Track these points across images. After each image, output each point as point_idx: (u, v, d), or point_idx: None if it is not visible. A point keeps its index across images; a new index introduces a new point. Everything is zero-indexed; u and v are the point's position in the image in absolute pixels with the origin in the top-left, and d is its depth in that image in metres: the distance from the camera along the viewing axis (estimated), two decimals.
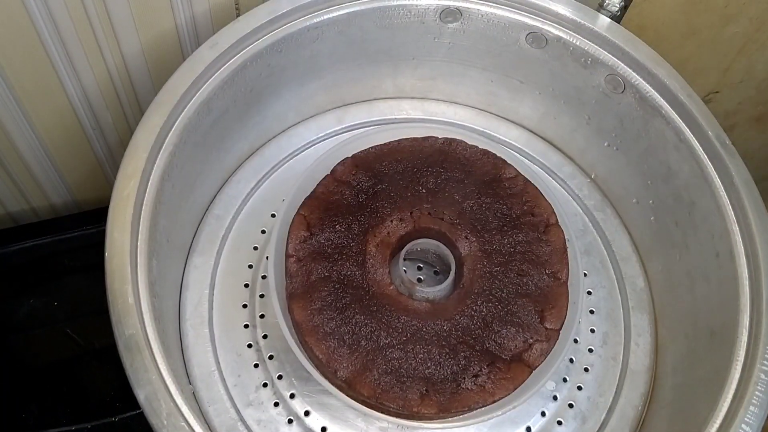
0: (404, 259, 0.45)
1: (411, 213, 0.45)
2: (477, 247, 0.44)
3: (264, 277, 0.48)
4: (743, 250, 0.42)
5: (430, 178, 0.46)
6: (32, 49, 0.46)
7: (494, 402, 0.40)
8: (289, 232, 0.43)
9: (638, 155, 0.50)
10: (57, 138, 0.54)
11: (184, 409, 0.34)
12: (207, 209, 0.50)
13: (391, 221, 0.45)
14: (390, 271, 0.44)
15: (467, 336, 0.41)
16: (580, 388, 0.46)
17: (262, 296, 0.47)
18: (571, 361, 0.47)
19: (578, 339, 0.48)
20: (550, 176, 0.56)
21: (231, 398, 0.43)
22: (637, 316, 0.49)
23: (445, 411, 0.39)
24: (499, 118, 0.58)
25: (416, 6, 0.49)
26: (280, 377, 0.44)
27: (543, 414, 0.45)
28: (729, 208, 0.43)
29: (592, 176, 0.54)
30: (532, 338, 0.41)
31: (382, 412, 0.39)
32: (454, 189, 0.46)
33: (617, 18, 0.49)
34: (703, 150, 0.45)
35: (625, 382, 0.47)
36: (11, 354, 0.53)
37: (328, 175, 0.46)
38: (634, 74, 0.48)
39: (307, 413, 0.43)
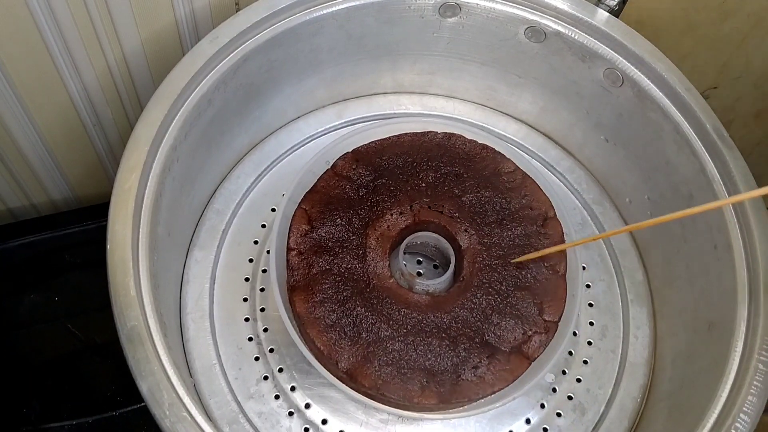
0: (404, 253, 0.45)
1: (411, 207, 0.45)
2: (476, 240, 0.44)
3: (264, 271, 0.48)
4: (741, 243, 0.42)
5: (429, 172, 0.47)
6: (33, 45, 0.46)
7: (494, 393, 0.40)
8: (290, 226, 0.44)
9: (637, 149, 0.51)
10: (57, 134, 0.54)
11: (186, 399, 0.34)
12: (207, 203, 0.50)
13: (391, 215, 0.45)
14: (390, 264, 0.44)
15: (467, 328, 0.41)
16: (579, 380, 0.47)
17: (262, 290, 0.47)
18: (571, 353, 0.48)
19: (577, 332, 0.48)
20: (549, 170, 0.56)
21: (232, 391, 0.43)
22: (635, 308, 0.50)
23: (445, 402, 0.39)
24: (498, 113, 0.58)
25: (415, 1, 0.49)
26: (280, 370, 0.44)
27: (542, 406, 0.45)
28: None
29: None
30: (531, 330, 0.41)
31: (383, 403, 0.39)
32: (453, 183, 0.46)
33: (616, 12, 0.49)
34: (702, 143, 0.45)
35: (624, 375, 0.47)
36: (12, 349, 0.53)
37: (328, 169, 0.46)
38: (633, 68, 0.48)
39: (307, 406, 0.43)
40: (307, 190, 0.45)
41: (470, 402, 0.40)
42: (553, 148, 0.57)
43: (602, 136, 0.53)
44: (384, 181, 0.46)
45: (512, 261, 0.42)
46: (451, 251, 0.45)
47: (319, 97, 0.55)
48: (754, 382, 0.37)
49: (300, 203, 0.45)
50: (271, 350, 0.45)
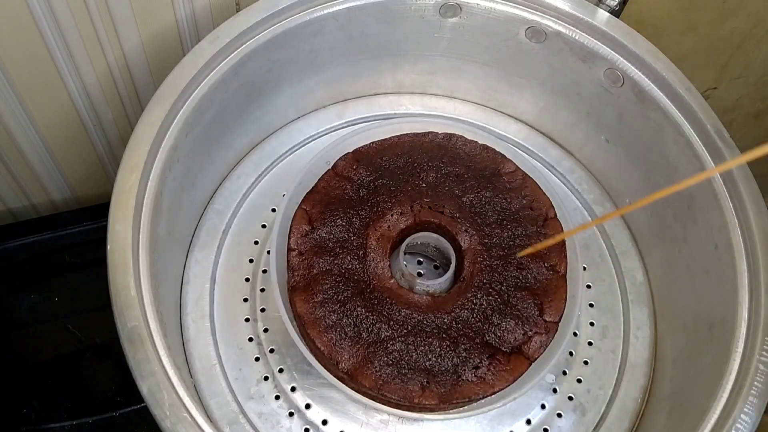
0: (405, 253, 0.45)
1: (411, 207, 0.45)
2: (477, 241, 0.44)
3: (264, 271, 0.48)
4: (742, 243, 0.42)
5: (430, 172, 0.46)
6: (33, 45, 0.46)
7: (494, 393, 0.40)
8: (290, 226, 0.44)
9: (637, 149, 0.50)
10: (57, 134, 0.54)
11: (187, 400, 0.34)
12: (208, 204, 0.50)
13: (392, 215, 0.45)
14: (390, 265, 0.44)
15: (467, 328, 0.41)
16: (579, 380, 0.47)
17: (262, 290, 0.47)
18: (571, 354, 0.48)
19: (578, 332, 0.48)
20: (549, 171, 0.56)
21: (232, 391, 0.43)
22: (636, 309, 0.50)
23: (445, 402, 0.39)
24: (499, 113, 0.58)
25: (416, 1, 0.49)
26: (281, 371, 0.44)
27: (543, 406, 0.45)
28: (727, 200, 0.43)
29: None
30: (531, 330, 0.41)
31: (383, 404, 0.39)
32: (453, 183, 0.46)
33: (616, 12, 0.49)
34: (702, 143, 0.45)
35: (624, 375, 0.47)
36: (12, 349, 0.53)
37: (329, 169, 0.46)
38: (633, 68, 0.48)
39: (308, 406, 0.43)
40: (307, 191, 0.45)
41: (470, 402, 0.40)
42: (553, 148, 0.57)
43: (603, 137, 0.53)
44: (384, 181, 0.46)
45: (518, 255, 0.42)
46: (451, 251, 0.45)
47: (320, 97, 0.55)
48: (755, 383, 0.37)
49: (300, 203, 0.45)
50: (272, 351, 0.45)
